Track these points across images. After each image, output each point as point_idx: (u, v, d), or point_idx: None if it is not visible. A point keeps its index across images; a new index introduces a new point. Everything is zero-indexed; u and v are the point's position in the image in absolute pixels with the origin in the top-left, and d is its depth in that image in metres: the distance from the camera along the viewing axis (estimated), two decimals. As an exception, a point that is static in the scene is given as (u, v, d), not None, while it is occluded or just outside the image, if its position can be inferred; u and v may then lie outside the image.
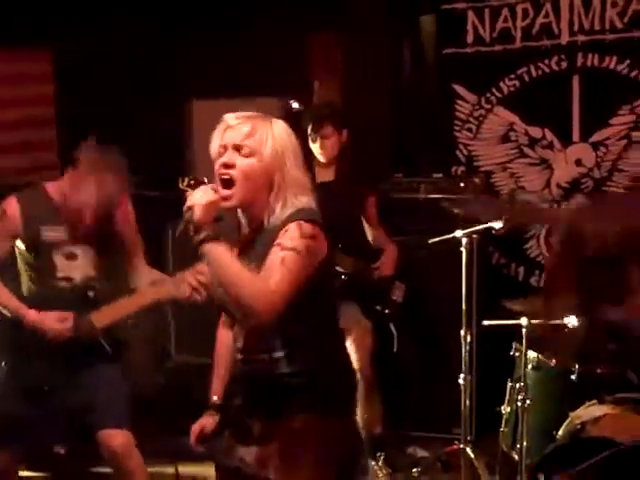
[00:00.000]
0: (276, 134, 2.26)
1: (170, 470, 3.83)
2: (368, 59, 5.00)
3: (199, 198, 2.14)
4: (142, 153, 3.93)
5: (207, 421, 2.53)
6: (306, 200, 2.27)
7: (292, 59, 5.01)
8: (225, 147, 2.25)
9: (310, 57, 5.10)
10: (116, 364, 3.28)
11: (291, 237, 2.17)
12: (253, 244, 2.30)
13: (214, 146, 2.28)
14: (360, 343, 3.86)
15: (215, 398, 2.55)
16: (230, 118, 2.28)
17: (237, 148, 2.23)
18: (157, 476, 3.84)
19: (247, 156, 2.23)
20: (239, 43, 5.11)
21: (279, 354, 2.28)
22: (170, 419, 4.27)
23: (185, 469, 3.84)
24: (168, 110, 5.01)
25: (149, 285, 3.24)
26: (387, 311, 4.10)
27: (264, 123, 2.27)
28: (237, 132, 2.24)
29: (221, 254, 2.12)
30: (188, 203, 2.15)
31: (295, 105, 4.66)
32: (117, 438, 3.12)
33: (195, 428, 2.53)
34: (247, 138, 2.23)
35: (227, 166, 2.23)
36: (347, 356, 2.46)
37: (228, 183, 2.23)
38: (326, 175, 4.05)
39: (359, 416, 3.50)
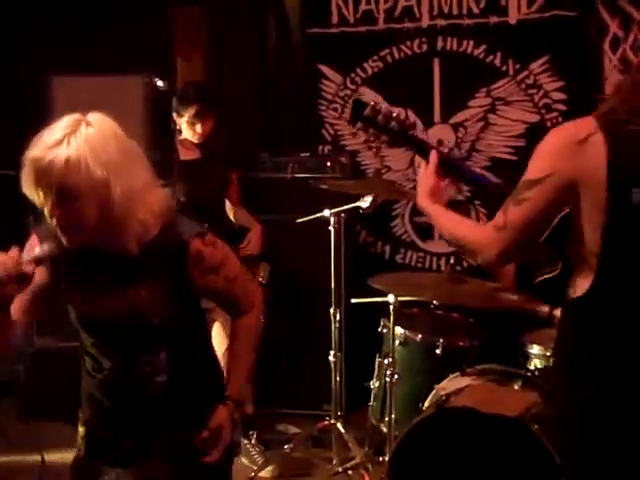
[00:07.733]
0: (98, 148, 1.88)
1: (36, 458, 3.70)
2: (233, 36, 4.97)
3: None
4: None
5: None
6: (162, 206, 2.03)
7: (155, 35, 4.90)
8: (45, 192, 1.88)
9: (174, 33, 5.00)
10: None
11: (215, 253, 2.10)
12: (116, 276, 2.03)
13: (28, 190, 1.91)
14: (227, 324, 3.86)
15: None
16: (40, 153, 1.87)
17: (60, 193, 1.87)
18: (22, 465, 3.74)
19: (75, 199, 1.87)
20: (99, 18, 4.95)
21: (161, 367, 2.11)
22: (34, 405, 4.15)
23: (51, 457, 3.73)
24: (25, 86, 4.80)
25: None
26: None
27: (81, 144, 1.87)
28: (53, 173, 1.84)
29: None
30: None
31: (159, 83, 4.56)
32: None
33: None
34: (67, 178, 1.85)
35: (59, 219, 1.91)
36: (214, 353, 2.38)
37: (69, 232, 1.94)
38: (191, 153, 3.97)
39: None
